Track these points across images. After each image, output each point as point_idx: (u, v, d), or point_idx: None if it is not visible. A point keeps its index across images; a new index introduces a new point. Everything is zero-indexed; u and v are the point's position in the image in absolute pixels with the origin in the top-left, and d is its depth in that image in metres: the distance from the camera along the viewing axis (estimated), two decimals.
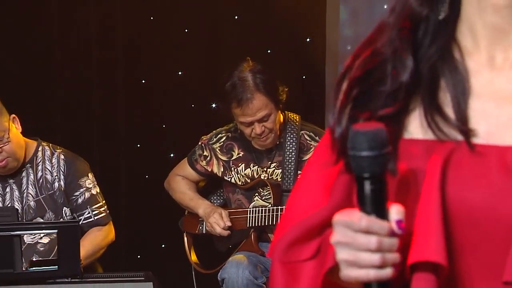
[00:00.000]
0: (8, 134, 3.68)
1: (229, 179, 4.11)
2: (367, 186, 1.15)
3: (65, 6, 5.10)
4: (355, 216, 1.15)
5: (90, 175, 3.87)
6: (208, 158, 4.13)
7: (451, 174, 1.19)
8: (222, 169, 4.12)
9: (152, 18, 5.15)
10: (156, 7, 5.16)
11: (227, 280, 3.87)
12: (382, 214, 1.15)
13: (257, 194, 4.06)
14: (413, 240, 1.19)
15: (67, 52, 5.12)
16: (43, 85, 5.04)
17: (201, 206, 4.13)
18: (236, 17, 5.07)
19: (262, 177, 4.05)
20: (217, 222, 4.04)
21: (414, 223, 1.20)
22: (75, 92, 5.16)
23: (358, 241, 1.14)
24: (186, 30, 5.14)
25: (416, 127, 1.24)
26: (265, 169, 4.06)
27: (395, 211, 1.15)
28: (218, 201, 4.26)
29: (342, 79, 1.28)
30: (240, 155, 4.10)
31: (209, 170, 4.13)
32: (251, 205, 4.06)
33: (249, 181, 4.07)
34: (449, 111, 1.22)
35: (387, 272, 1.14)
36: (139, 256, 5.13)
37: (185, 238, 4.26)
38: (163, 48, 5.17)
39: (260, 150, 4.06)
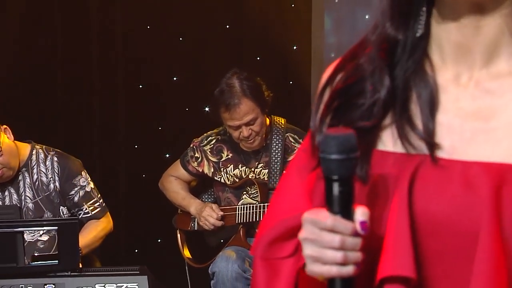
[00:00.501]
0: (1, 147, 3.67)
1: (219, 179, 4.12)
2: (335, 188, 1.15)
3: (68, 15, 5.09)
4: (322, 215, 1.15)
5: (83, 173, 3.87)
6: (199, 160, 4.15)
7: (418, 187, 1.19)
8: (212, 170, 4.13)
9: (148, 27, 5.15)
10: (152, 17, 5.15)
11: (217, 274, 3.90)
12: (348, 214, 1.15)
13: (245, 192, 4.07)
14: (382, 254, 1.19)
15: (69, 58, 5.11)
16: (46, 89, 5.02)
17: (193, 204, 4.15)
18: (227, 26, 5.07)
19: (250, 177, 4.06)
20: (210, 214, 4.05)
21: (381, 228, 1.20)
22: (77, 96, 5.14)
23: (323, 238, 1.15)
24: (180, 39, 5.14)
25: (388, 139, 1.24)
26: (252, 169, 4.08)
27: (360, 213, 1.15)
28: (209, 200, 4.27)
29: (324, 89, 1.29)
30: (229, 156, 4.11)
31: (200, 170, 4.15)
32: (239, 203, 4.07)
33: (237, 180, 4.08)
34: (418, 123, 1.22)
35: (349, 269, 1.15)
36: (136, 251, 5.11)
37: (178, 235, 4.27)
38: (159, 55, 5.17)
39: (247, 152, 4.07)
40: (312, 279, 1.23)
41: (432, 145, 1.19)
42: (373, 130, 1.23)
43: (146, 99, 5.18)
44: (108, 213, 3.93)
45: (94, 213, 3.87)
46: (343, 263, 1.14)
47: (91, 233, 3.80)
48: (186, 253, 4.24)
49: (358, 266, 1.15)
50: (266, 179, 4.04)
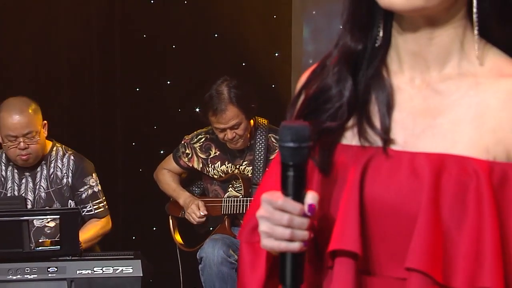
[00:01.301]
0: (39, 136, 3.76)
1: (207, 173, 4.14)
2: (289, 173, 1.17)
3: (73, 28, 5.09)
4: (275, 196, 1.18)
5: (94, 175, 3.90)
6: (190, 156, 4.16)
7: (370, 175, 1.22)
8: (201, 165, 4.15)
9: (145, 36, 5.15)
10: (149, 27, 5.16)
11: (204, 258, 3.93)
12: (299, 197, 1.17)
13: (231, 185, 4.10)
14: (334, 231, 1.21)
15: (74, 64, 5.10)
16: (53, 94, 5.00)
17: (182, 196, 4.17)
18: (216, 35, 5.06)
19: (235, 172, 4.08)
20: (194, 212, 4.08)
21: (337, 211, 1.22)
22: (80, 99, 5.14)
23: (274, 217, 1.17)
24: (173, 46, 5.12)
25: (350, 135, 1.26)
26: (237, 166, 4.09)
27: (310, 197, 1.18)
28: (198, 190, 4.30)
29: (298, 98, 1.31)
30: (217, 154, 4.12)
31: (190, 165, 4.17)
32: (226, 195, 4.10)
33: (224, 175, 4.11)
34: (376, 121, 1.25)
35: (295, 245, 1.17)
36: (134, 237, 5.11)
37: (170, 221, 4.29)
38: (154, 61, 5.16)
39: (233, 150, 4.09)
40: None
41: (386, 140, 1.23)
42: (338, 129, 1.26)
43: (142, 101, 5.17)
44: (109, 216, 3.95)
45: (97, 212, 3.88)
46: (291, 240, 1.17)
47: (91, 230, 3.82)
48: (177, 237, 4.26)
49: (305, 243, 1.18)
50: (250, 175, 4.06)
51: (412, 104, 1.25)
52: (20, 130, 3.71)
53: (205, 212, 4.06)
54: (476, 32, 1.22)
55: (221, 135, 4.01)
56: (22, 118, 3.72)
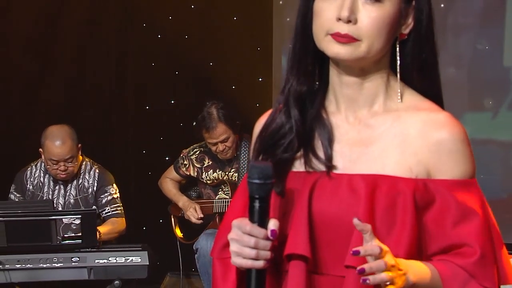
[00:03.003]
0: (76, 159, 3.81)
1: (202, 180, 4.24)
2: (255, 204, 1.20)
3: (93, 57, 5.12)
4: (244, 222, 1.21)
5: (114, 185, 3.92)
6: (187, 166, 4.24)
7: (316, 193, 1.26)
8: (196, 174, 4.23)
9: (153, 64, 5.19)
10: (156, 57, 5.17)
11: (199, 249, 4.03)
12: (263, 223, 1.20)
13: (220, 189, 4.18)
14: (288, 238, 1.25)
15: (93, 86, 5.14)
16: (75, 111, 5.00)
17: (181, 200, 4.25)
18: (211, 64, 5.09)
19: (224, 179, 4.17)
20: (193, 215, 4.16)
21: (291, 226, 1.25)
22: (100, 116, 5.17)
23: (243, 239, 1.20)
24: (176, 72, 5.18)
25: (298, 163, 1.30)
26: (226, 173, 4.18)
27: (272, 223, 1.21)
28: (194, 194, 4.35)
29: (259, 137, 1.34)
30: (209, 163, 4.19)
31: (188, 174, 4.25)
32: (216, 197, 4.18)
33: (215, 181, 4.21)
34: (320, 152, 1.29)
35: (260, 263, 1.20)
36: (144, 228, 5.12)
37: (172, 219, 4.34)
38: (161, 84, 5.19)
39: (223, 160, 4.18)
40: None
41: (330, 167, 1.28)
42: (289, 160, 1.30)
43: (151, 117, 5.23)
44: (124, 219, 3.93)
45: (114, 213, 3.90)
46: (256, 259, 1.20)
47: (109, 225, 3.85)
48: (178, 232, 4.30)
49: (267, 262, 1.21)
50: (236, 180, 4.16)
51: (348, 137, 1.30)
52: (62, 156, 3.75)
53: (202, 215, 4.14)
54: (398, 80, 1.30)
55: (213, 148, 4.10)
56: (64, 147, 3.75)
